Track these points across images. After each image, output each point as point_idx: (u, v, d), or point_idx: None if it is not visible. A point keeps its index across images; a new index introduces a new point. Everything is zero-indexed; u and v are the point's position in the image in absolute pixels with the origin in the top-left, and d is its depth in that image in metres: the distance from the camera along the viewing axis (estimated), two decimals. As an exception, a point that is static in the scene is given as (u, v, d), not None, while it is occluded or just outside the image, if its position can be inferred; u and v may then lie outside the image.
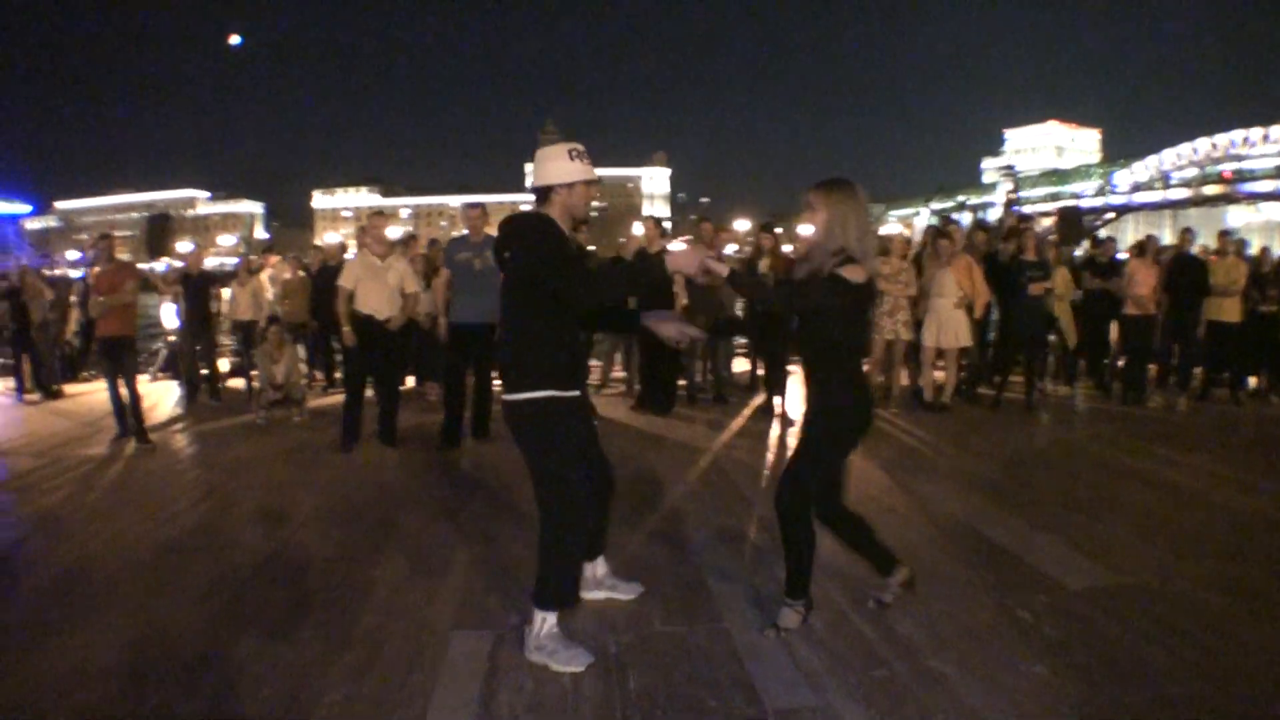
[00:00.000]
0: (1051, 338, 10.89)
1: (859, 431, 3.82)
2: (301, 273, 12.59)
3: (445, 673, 3.66)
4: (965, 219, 78.28)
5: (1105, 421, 9.36)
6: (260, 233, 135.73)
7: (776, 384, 9.35)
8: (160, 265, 14.84)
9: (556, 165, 3.76)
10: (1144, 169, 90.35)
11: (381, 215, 8.95)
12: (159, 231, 15.22)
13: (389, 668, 3.73)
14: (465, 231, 8.33)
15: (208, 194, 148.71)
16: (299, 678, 3.67)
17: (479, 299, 7.73)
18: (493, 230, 8.19)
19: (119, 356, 8.66)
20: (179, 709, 3.46)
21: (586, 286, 3.52)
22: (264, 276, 12.56)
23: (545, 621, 3.71)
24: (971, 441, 8.13)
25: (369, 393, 8.46)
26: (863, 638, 3.91)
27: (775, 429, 8.68)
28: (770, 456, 7.52)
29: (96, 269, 9.02)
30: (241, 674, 3.72)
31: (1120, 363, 11.05)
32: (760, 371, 10.65)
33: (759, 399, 9.88)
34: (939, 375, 9.79)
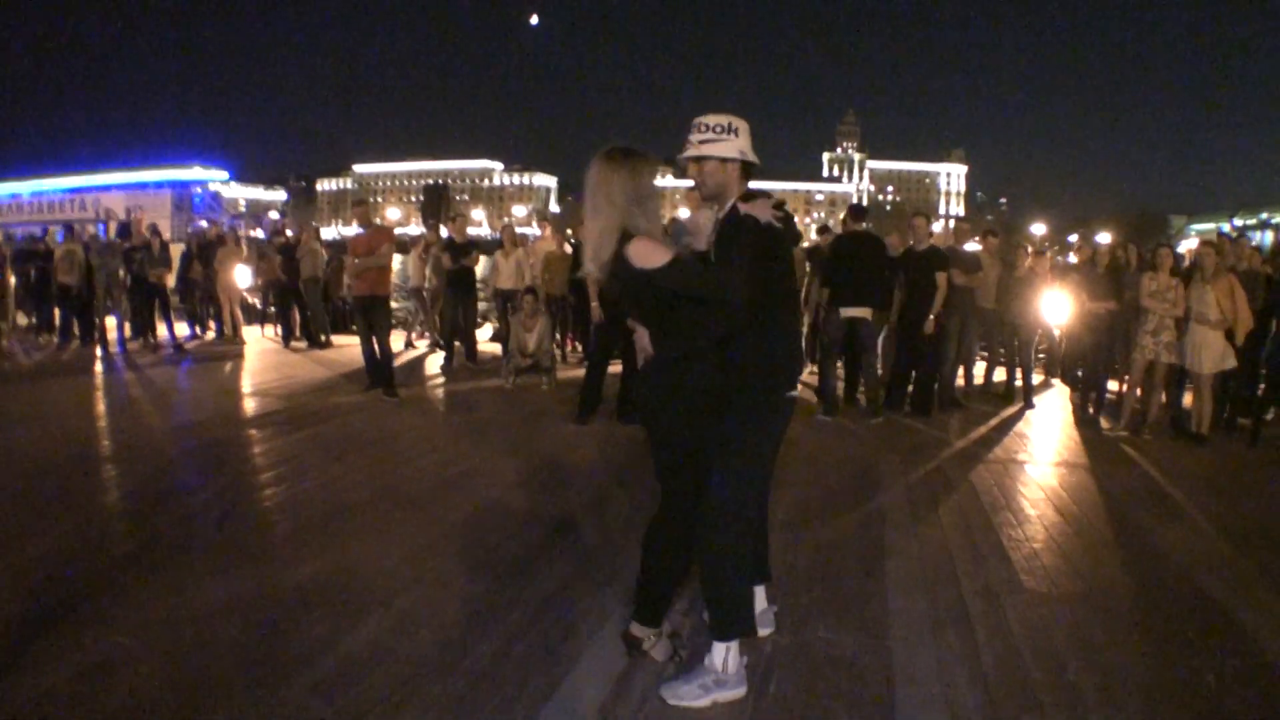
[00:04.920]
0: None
1: None
2: (568, 247, 13.05)
3: (597, 645, 3.72)
4: (1268, 237, 71.05)
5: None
6: (554, 206, 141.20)
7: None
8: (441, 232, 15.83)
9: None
10: None
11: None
12: (434, 200, 16.31)
13: (547, 632, 3.85)
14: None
15: (501, 166, 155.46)
16: (461, 628, 3.87)
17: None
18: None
19: (373, 314, 9.33)
20: (340, 639, 3.72)
21: None
22: (538, 247, 13.16)
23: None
24: (1218, 480, 7.31)
25: (614, 369, 8.62)
26: (1028, 680, 3.61)
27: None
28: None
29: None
30: (405, 618, 3.96)
31: None
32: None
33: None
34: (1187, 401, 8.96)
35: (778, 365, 3.45)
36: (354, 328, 15.61)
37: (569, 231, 14.47)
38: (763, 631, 3.82)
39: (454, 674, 3.46)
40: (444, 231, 13.16)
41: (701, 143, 3.45)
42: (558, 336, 12.70)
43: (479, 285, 12.96)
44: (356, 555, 4.73)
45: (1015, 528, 5.63)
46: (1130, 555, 5.27)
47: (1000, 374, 11.07)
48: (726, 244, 3.35)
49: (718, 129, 3.44)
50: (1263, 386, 9.22)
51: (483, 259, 13.42)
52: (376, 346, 9.37)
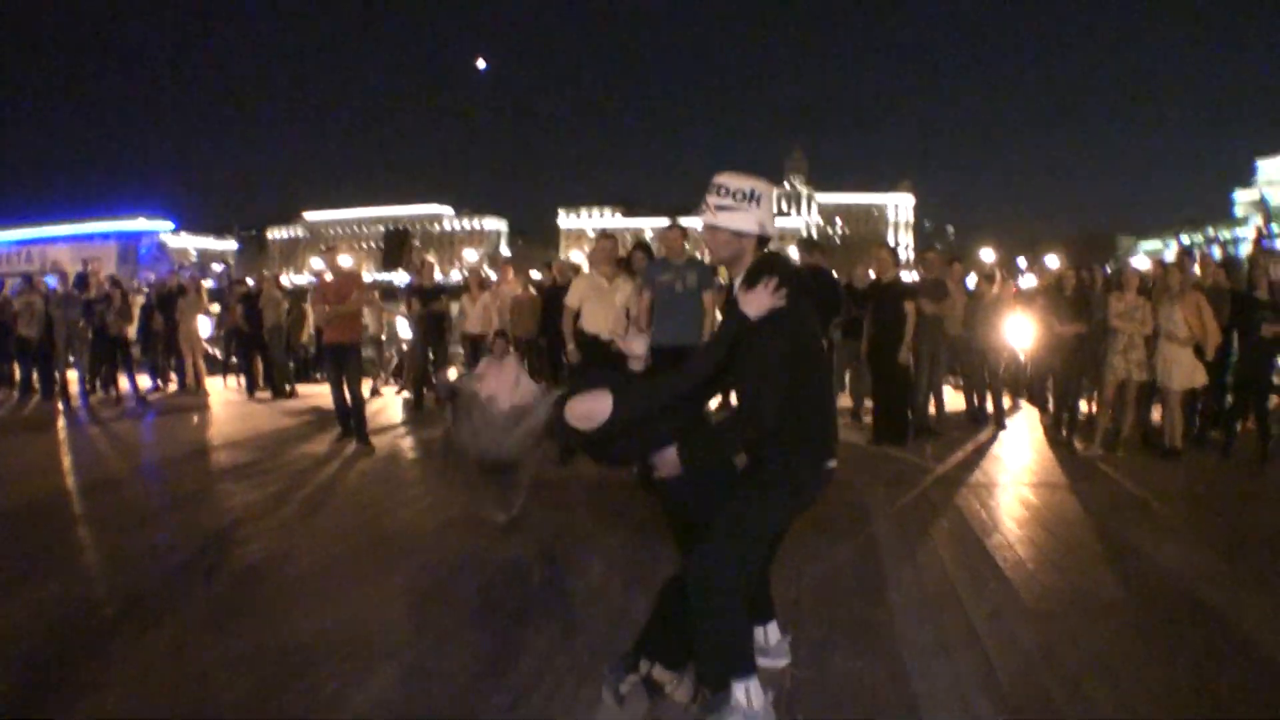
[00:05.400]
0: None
1: None
2: (532, 290, 13.02)
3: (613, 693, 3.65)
4: (1215, 254, 72.83)
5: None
6: (504, 249, 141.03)
7: None
8: (398, 277, 15.80)
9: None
10: None
11: (609, 237, 9.07)
12: (396, 245, 16.28)
13: (557, 683, 3.77)
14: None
15: (452, 210, 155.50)
16: (473, 679, 3.78)
17: (679, 320, 7.72)
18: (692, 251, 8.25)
19: (343, 362, 9.21)
20: (350, 695, 3.63)
21: None
22: (503, 290, 13.08)
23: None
24: (1196, 492, 7.49)
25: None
26: (1047, 695, 3.66)
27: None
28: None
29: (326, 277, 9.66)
30: (413, 671, 3.88)
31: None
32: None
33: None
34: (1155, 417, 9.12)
35: (809, 437, 3.28)
36: (317, 376, 15.54)
37: (537, 274, 14.32)
38: (780, 663, 3.78)
39: (476, 726, 3.38)
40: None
41: (719, 209, 3.27)
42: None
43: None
44: (354, 608, 4.65)
45: (1009, 549, 5.66)
46: (1125, 570, 5.34)
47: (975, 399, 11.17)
48: (725, 321, 3.28)
49: (738, 195, 3.26)
50: (1230, 398, 9.38)
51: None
52: (348, 394, 9.25)
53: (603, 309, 8.04)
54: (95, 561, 5.61)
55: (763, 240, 3.32)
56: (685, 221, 8.65)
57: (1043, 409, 10.99)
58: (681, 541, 3.54)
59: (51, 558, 5.58)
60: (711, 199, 3.29)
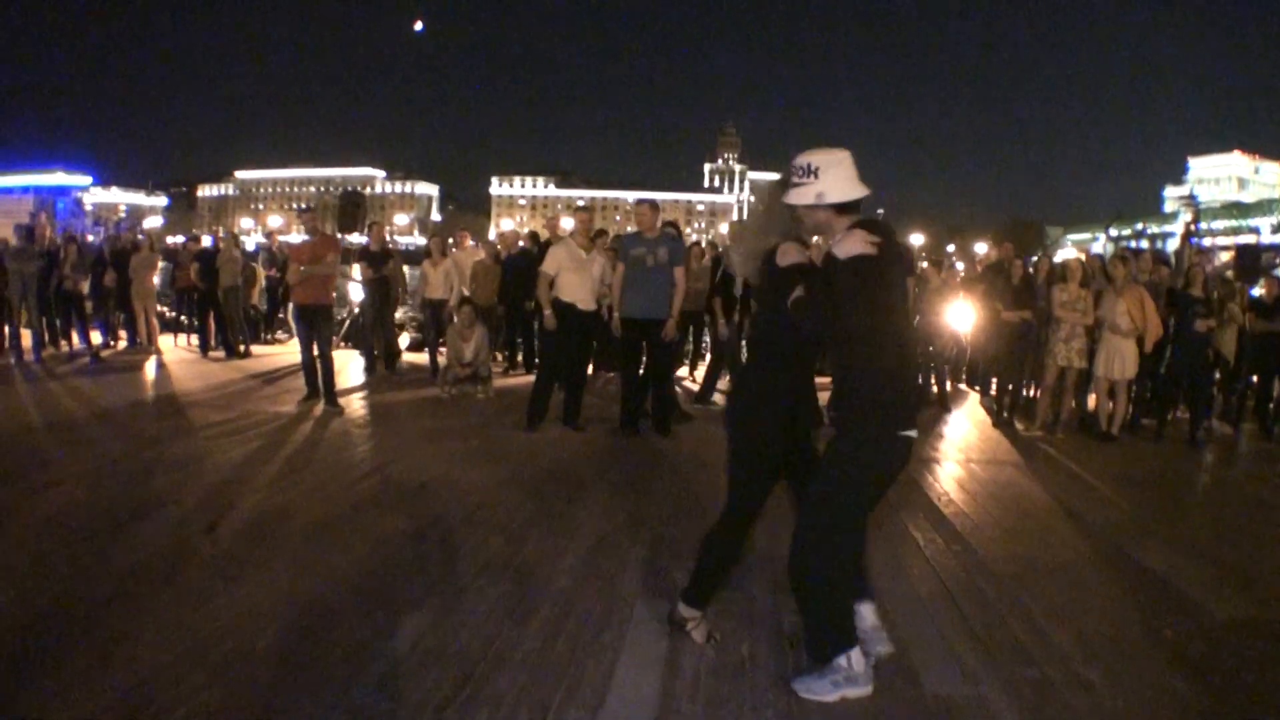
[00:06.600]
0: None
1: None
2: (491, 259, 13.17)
3: (633, 633, 3.98)
4: (1144, 247, 75.36)
5: (1267, 462, 9.43)
6: (435, 214, 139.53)
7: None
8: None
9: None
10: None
11: (587, 210, 9.34)
12: (351, 208, 16.20)
13: (579, 626, 4.06)
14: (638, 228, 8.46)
15: (384, 174, 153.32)
16: (494, 630, 4.00)
17: (649, 294, 8.04)
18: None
19: (315, 322, 9.31)
20: (377, 646, 3.79)
21: None
22: (460, 257, 13.20)
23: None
24: (1132, 472, 8.10)
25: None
26: (1017, 640, 4.14)
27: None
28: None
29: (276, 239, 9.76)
30: (437, 623, 4.06)
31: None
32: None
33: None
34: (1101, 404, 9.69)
35: (886, 403, 3.34)
36: (267, 338, 15.55)
37: (496, 244, 14.36)
38: (881, 650, 3.73)
39: (510, 668, 3.64)
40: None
41: (791, 186, 3.43)
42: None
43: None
44: (364, 563, 4.80)
45: (965, 517, 6.15)
46: (1073, 537, 5.92)
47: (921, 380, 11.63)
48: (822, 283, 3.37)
49: (799, 172, 3.39)
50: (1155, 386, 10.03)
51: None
52: (317, 355, 9.35)
53: (580, 279, 8.32)
54: (92, 519, 5.41)
55: (843, 207, 3.37)
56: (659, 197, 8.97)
57: (984, 392, 11.51)
58: (731, 489, 3.83)
59: (43, 517, 5.45)
60: (791, 178, 3.44)
